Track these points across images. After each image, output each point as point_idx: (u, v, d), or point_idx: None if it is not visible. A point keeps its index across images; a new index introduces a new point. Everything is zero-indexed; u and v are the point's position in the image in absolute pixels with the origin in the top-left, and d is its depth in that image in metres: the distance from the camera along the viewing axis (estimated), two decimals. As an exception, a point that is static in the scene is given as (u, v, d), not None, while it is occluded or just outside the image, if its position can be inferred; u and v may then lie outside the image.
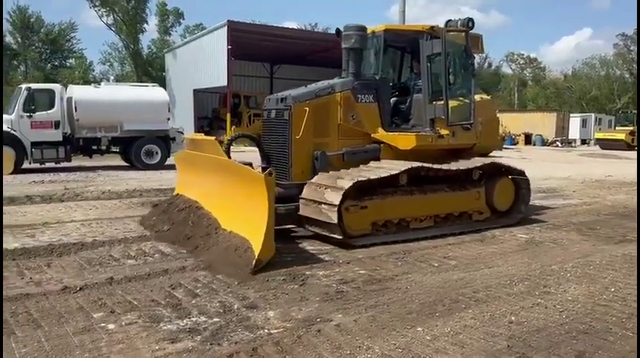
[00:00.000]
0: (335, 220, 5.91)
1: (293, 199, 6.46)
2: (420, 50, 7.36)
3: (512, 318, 4.04)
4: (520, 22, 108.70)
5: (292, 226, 6.78)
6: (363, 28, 7.10)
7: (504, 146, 31.47)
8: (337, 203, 5.88)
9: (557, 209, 9.48)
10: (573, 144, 40.11)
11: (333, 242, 6.23)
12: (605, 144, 33.84)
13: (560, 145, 38.06)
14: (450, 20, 7.46)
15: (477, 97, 7.96)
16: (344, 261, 5.62)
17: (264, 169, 7.02)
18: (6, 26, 47.55)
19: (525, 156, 24.79)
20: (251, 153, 8.49)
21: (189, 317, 3.96)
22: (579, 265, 5.60)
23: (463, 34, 7.38)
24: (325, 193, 6.10)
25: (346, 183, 6.07)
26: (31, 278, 4.84)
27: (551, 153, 29.95)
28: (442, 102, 7.29)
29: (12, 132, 14.03)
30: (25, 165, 14.41)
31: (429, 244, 6.44)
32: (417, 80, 7.78)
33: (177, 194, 7.54)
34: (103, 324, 3.78)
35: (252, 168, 6.49)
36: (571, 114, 44.37)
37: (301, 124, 6.64)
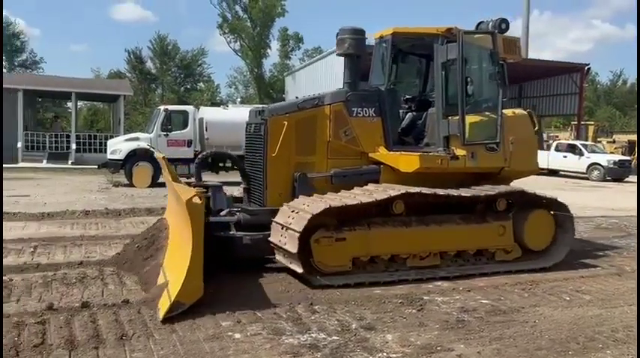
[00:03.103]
0: (294, 250, 5.03)
1: (264, 227, 5.63)
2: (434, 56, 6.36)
3: (660, 364, 3.64)
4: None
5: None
6: (359, 32, 6.19)
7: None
8: (300, 230, 5.01)
9: None
10: None
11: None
12: None
13: None
14: (481, 22, 6.57)
15: (509, 112, 6.85)
16: (464, 288, 5.42)
17: (245, 191, 6.51)
18: (147, 53, 52.86)
19: (669, 183, 22.27)
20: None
21: (309, 333, 4.05)
22: None
23: (490, 37, 6.28)
24: (292, 217, 5.27)
25: (316, 209, 5.15)
26: (167, 284, 5.24)
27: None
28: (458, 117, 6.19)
29: (151, 149, 15.45)
30: (161, 179, 15.75)
31: (559, 275, 6.02)
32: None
33: (159, 219, 6.81)
34: (230, 333, 4.00)
35: (221, 190, 6.00)
36: None
37: (278, 140, 5.87)
